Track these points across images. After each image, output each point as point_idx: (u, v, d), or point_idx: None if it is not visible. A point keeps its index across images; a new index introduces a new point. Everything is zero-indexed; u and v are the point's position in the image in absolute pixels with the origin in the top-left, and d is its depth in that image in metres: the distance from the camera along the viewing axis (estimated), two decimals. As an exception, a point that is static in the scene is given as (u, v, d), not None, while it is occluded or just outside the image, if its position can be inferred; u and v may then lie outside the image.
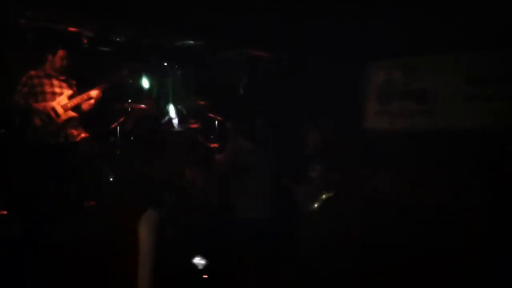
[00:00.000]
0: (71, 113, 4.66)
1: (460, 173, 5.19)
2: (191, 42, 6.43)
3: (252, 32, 5.86)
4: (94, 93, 4.79)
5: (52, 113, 4.55)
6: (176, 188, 3.12)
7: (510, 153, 5.02)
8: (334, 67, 6.21)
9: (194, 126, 6.35)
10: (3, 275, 3.42)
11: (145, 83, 6.48)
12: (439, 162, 5.49)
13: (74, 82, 4.84)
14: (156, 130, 6.35)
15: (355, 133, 6.25)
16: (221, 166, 4.04)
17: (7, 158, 4.67)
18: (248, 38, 6.18)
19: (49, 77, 4.63)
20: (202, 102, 6.56)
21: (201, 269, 3.11)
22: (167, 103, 7.27)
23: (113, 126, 5.84)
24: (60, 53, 4.61)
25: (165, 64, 7.02)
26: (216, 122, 6.42)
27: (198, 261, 3.14)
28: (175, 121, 6.97)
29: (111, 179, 5.32)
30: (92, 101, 4.80)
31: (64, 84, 4.71)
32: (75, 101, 4.68)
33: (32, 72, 4.58)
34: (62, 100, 4.62)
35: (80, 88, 4.84)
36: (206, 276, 3.13)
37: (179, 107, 7.22)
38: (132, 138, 5.94)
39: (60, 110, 4.59)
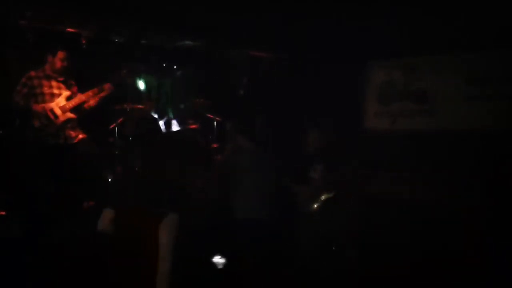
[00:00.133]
0: (70, 115, 4.66)
1: (460, 173, 5.19)
2: (191, 42, 6.43)
3: (252, 32, 5.87)
4: (106, 86, 4.79)
5: (51, 115, 4.54)
6: (175, 188, 3.14)
7: (510, 153, 5.02)
8: (334, 67, 6.21)
9: (194, 126, 6.36)
10: (3, 275, 3.41)
11: (145, 83, 6.49)
12: (439, 162, 5.49)
13: (74, 83, 4.83)
14: (156, 130, 6.35)
15: (355, 133, 6.24)
16: (221, 166, 4.04)
17: (7, 158, 4.67)
18: (248, 38, 6.18)
19: (49, 78, 4.62)
20: (202, 102, 6.56)
21: (211, 268, 3.14)
22: (167, 104, 7.28)
23: (111, 127, 5.85)
24: (60, 54, 4.60)
25: (165, 64, 7.03)
26: (216, 122, 6.42)
27: (217, 260, 3.18)
28: (175, 121, 6.99)
29: (109, 180, 5.31)
30: (102, 94, 4.79)
31: (62, 86, 4.70)
32: (74, 102, 4.68)
33: (32, 73, 4.57)
34: (60, 102, 4.62)
35: (79, 88, 4.84)
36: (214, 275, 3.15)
37: (179, 107, 7.23)
38: (131, 138, 5.94)
39: (58, 112, 4.58)
